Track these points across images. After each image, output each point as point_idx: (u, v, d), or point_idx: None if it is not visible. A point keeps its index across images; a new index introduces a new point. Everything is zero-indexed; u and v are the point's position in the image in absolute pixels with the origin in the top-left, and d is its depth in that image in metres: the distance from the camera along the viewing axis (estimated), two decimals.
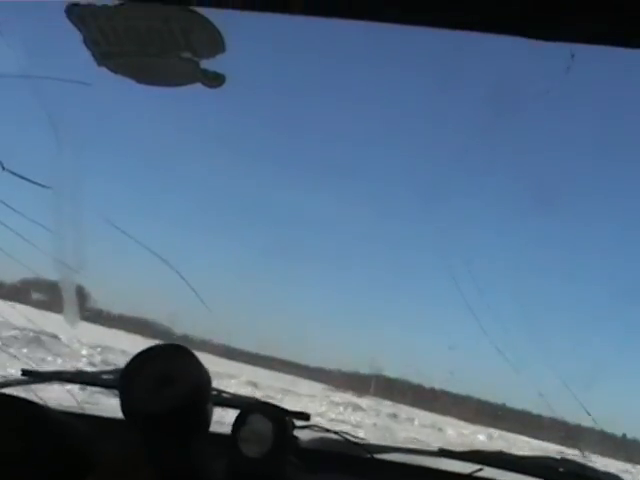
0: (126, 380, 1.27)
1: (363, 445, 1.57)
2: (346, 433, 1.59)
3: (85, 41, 1.20)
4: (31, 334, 6.00)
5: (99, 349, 6.71)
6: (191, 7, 1.15)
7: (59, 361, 5.82)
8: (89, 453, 1.20)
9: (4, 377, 1.82)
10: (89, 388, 1.76)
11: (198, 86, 1.26)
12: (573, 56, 1.10)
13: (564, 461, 1.52)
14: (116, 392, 1.28)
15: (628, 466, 4.48)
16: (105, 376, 1.64)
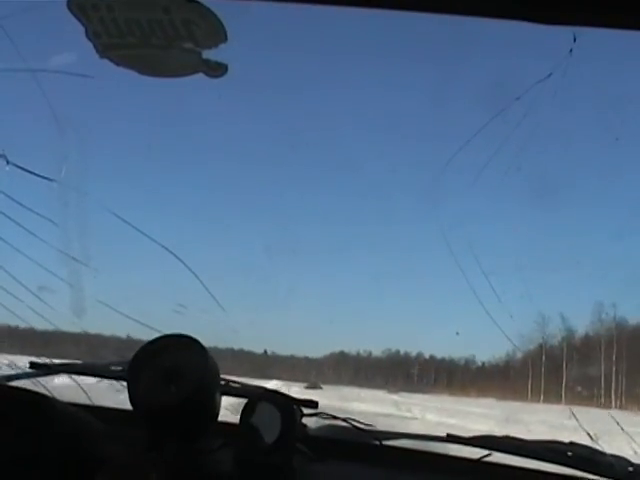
0: (134, 372, 1.28)
1: (371, 432, 1.57)
2: (354, 420, 1.59)
3: (87, 33, 1.19)
4: None
5: None
6: None
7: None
8: (97, 448, 1.20)
9: (13, 370, 1.83)
10: (98, 380, 1.77)
11: (200, 76, 1.26)
12: (575, 39, 1.09)
13: (573, 445, 1.52)
14: (125, 384, 1.29)
15: None
16: (114, 368, 1.64)
